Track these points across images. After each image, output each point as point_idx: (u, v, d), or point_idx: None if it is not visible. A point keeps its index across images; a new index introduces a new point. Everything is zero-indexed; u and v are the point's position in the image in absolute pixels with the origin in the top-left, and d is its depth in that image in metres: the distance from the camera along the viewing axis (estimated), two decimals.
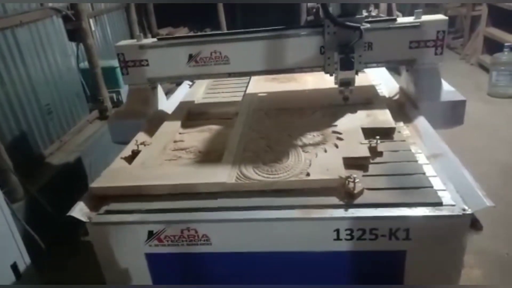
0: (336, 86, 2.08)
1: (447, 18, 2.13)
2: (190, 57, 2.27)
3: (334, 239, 1.41)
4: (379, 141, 1.71)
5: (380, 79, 2.72)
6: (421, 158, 1.70)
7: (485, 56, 6.39)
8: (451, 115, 2.16)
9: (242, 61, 2.26)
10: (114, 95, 4.66)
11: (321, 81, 2.47)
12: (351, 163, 1.62)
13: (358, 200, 1.43)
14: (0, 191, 2.10)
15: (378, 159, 1.68)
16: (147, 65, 2.32)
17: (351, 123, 1.95)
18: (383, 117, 1.99)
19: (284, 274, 1.53)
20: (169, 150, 1.98)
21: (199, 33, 2.83)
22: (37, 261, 2.29)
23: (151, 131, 2.17)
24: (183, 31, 7.27)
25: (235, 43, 2.22)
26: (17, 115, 3.29)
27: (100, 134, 3.99)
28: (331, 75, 2.14)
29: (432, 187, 1.47)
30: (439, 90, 2.20)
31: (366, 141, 1.73)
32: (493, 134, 4.39)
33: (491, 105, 5.27)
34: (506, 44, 5.48)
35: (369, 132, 1.82)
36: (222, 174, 1.59)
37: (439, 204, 1.38)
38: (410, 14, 2.24)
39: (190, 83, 3.08)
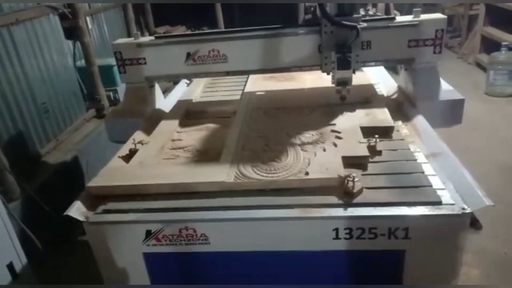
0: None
1: (445, 17, 2.13)
2: (188, 55, 2.26)
3: (333, 238, 1.40)
4: (378, 140, 1.71)
5: (378, 78, 2.71)
6: (420, 157, 1.70)
7: (482, 55, 6.40)
8: (450, 114, 2.16)
9: (240, 59, 2.25)
10: (111, 94, 4.64)
11: (320, 80, 2.46)
12: (350, 162, 1.61)
13: (357, 199, 1.43)
14: None
15: (377, 158, 1.68)
16: (145, 63, 2.31)
17: (350, 122, 1.95)
18: (382, 116, 1.98)
19: (283, 274, 1.52)
20: (167, 149, 1.97)
21: (197, 32, 2.82)
22: (34, 261, 2.27)
23: (148, 130, 2.15)
24: (180, 30, 7.25)
25: (233, 42, 2.21)
26: (13, 113, 3.26)
27: (97, 133, 3.97)
28: (328, 74, 2.13)
29: (431, 186, 1.47)
30: (437, 89, 2.20)
31: (365, 140, 1.72)
32: (491, 133, 4.40)
33: (489, 104, 5.28)
34: (503, 43, 5.49)
35: (368, 131, 1.82)
36: (221, 173, 1.58)
37: (438, 203, 1.38)
38: (408, 13, 2.23)
39: (188, 81, 3.07)
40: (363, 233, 1.38)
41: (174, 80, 3.28)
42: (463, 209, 1.34)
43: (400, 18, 2.17)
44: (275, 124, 2.04)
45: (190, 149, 1.95)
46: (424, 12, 2.15)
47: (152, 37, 2.35)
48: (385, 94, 2.45)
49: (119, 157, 1.89)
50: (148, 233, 1.47)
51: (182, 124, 2.25)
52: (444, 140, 1.77)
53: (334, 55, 1.96)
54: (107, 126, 2.47)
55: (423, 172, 1.55)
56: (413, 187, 1.46)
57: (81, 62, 4.39)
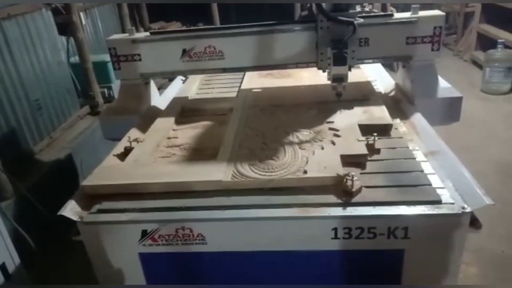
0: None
1: (444, 14, 2.12)
2: (184, 52, 2.22)
3: (332, 238, 1.38)
4: (376, 138, 1.69)
5: (375, 75, 2.70)
6: (419, 155, 1.69)
7: (478, 53, 6.41)
8: (448, 112, 2.15)
9: (237, 56, 2.22)
10: (106, 90, 4.60)
11: (317, 77, 2.44)
12: (349, 160, 1.59)
13: (356, 198, 1.41)
14: None
15: (375, 156, 1.66)
16: (140, 60, 2.27)
17: (348, 119, 1.93)
18: (380, 114, 1.96)
19: (281, 274, 1.50)
20: (163, 147, 1.94)
21: (193, 28, 2.78)
22: (27, 261, 2.24)
23: (144, 128, 2.12)
24: (175, 26, 7.20)
25: (230, 38, 2.18)
26: (6, 111, 3.21)
27: (91, 130, 3.93)
28: (324, 70, 2.11)
29: (430, 184, 1.45)
30: (435, 86, 2.19)
31: (364, 138, 1.70)
32: (487, 131, 4.41)
33: (485, 101, 5.29)
34: (499, 40, 5.50)
35: (366, 129, 1.80)
36: (218, 172, 1.55)
37: (438, 202, 1.36)
38: (404, 10, 2.21)
39: (183, 78, 3.03)
40: (362, 232, 1.37)
41: (169, 77, 3.24)
42: (463, 208, 1.32)
43: (398, 15, 2.16)
44: (272, 122, 2.01)
45: (186, 147, 1.92)
46: (420, 8, 2.14)
47: (147, 33, 2.32)
48: (383, 92, 2.43)
49: (114, 155, 1.86)
50: (144, 233, 1.45)
51: (178, 122, 2.22)
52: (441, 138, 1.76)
53: (330, 51, 1.93)
54: (101, 124, 2.43)
55: (422, 171, 1.54)
56: (412, 186, 1.45)
57: (75, 58, 4.34)
